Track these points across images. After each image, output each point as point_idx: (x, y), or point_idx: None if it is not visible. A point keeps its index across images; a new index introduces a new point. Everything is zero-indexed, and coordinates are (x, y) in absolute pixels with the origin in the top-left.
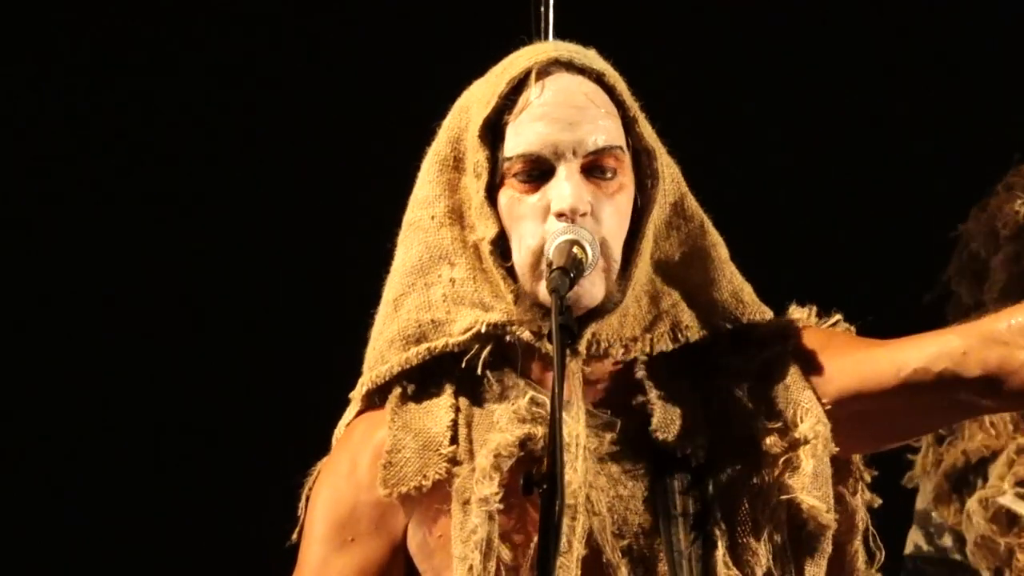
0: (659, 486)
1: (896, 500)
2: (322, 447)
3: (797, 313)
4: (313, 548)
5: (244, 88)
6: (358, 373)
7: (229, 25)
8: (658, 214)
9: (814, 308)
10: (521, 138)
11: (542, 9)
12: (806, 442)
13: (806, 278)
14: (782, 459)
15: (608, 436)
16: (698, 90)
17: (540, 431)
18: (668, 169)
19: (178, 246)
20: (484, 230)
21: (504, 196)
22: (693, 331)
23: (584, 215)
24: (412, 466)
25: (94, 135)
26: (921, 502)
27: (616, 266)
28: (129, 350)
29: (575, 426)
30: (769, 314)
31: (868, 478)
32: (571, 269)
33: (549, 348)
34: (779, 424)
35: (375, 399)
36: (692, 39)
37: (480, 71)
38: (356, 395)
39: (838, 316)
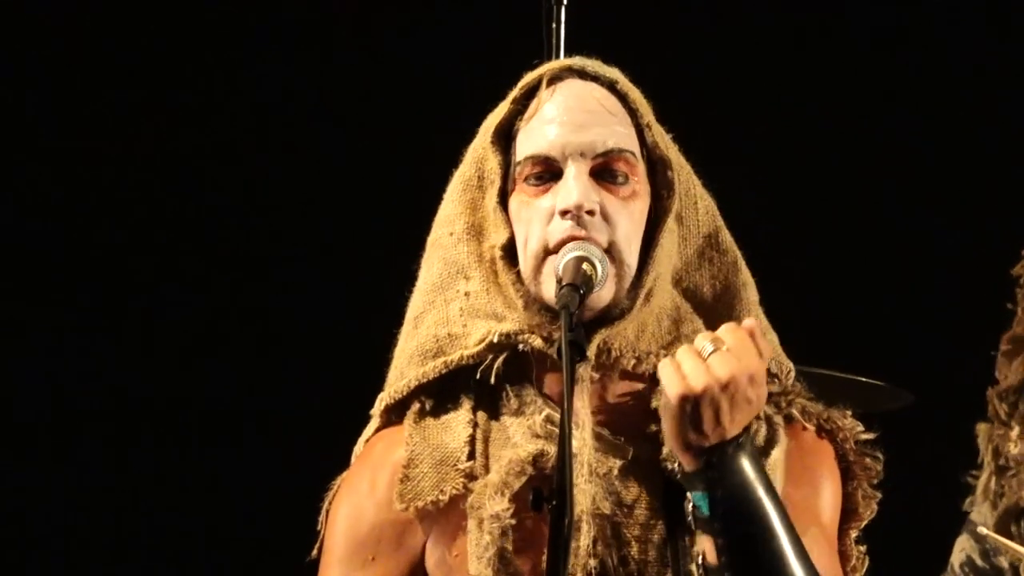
0: (669, 513)
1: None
2: (343, 460)
3: (845, 420)
4: (333, 568)
5: (254, 106)
6: (380, 387)
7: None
8: (672, 226)
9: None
10: (531, 140)
11: (553, 26)
12: None
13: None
14: None
15: (618, 461)
16: (711, 106)
17: (552, 449)
18: (702, 201)
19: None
20: (495, 237)
21: (515, 201)
22: None
23: (592, 213)
24: (429, 481)
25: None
26: (978, 516)
27: (629, 272)
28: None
29: (581, 446)
30: (787, 364)
31: (863, 568)
32: (581, 286)
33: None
34: None
35: (394, 415)
36: (705, 56)
37: (492, 91)
38: (376, 411)
39: (868, 436)
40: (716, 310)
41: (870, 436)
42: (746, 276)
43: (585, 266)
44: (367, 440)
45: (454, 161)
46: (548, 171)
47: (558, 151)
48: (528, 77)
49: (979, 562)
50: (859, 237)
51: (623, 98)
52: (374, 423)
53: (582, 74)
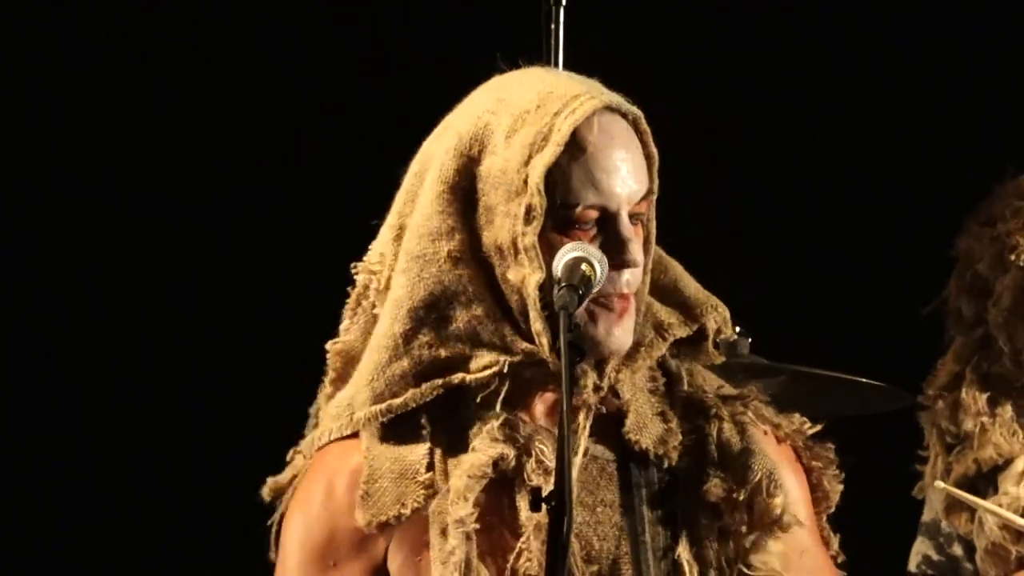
0: (630, 513)
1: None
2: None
3: (791, 423)
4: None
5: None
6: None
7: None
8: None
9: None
10: (586, 187)
11: (552, 26)
12: (777, 520)
13: (804, 290)
14: (749, 535)
15: (578, 462)
16: (710, 106)
17: (512, 452)
18: None
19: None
20: (531, 274)
21: (551, 241)
22: (676, 327)
23: (637, 265)
24: (390, 496)
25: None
26: (928, 514)
27: (641, 309)
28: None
29: (541, 450)
30: (723, 309)
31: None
32: (579, 286)
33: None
34: (746, 487)
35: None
36: (703, 55)
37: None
38: (357, 419)
39: (813, 428)
40: (657, 278)
41: (816, 428)
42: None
43: (584, 267)
44: (319, 448)
45: None
46: (597, 217)
47: (615, 203)
48: (571, 116)
49: (935, 556)
50: (858, 237)
51: (643, 133)
52: (347, 429)
53: (612, 110)
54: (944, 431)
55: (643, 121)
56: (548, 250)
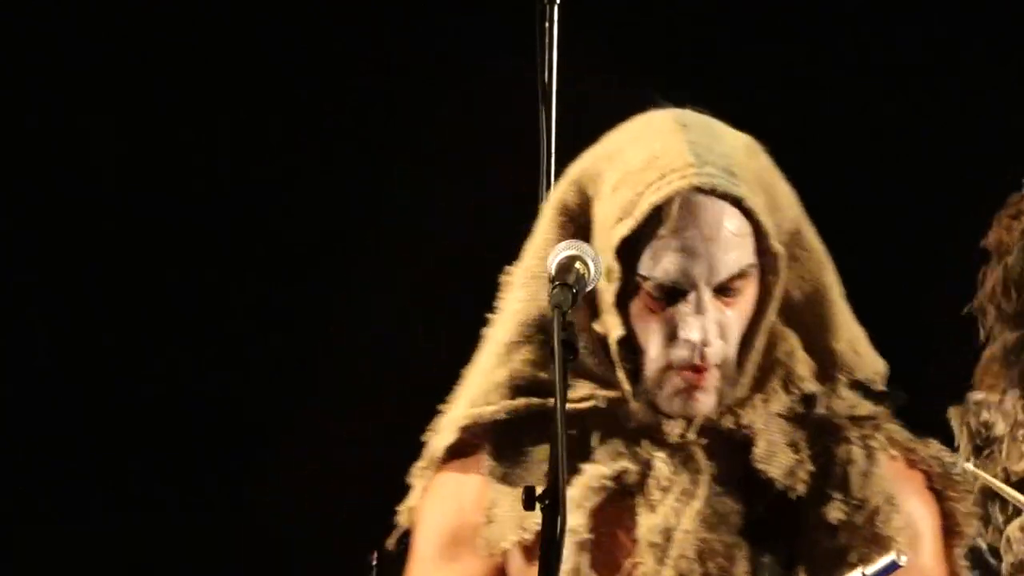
0: (750, 533)
1: None
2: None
3: (928, 448)
4: (420, 567)
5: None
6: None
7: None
8: (773, 314)
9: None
10: (658, 264)
11: (547, 24)
12: (888, 545)
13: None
14: (859, 551)
15: (703, 479)
16: (701, 107)
17: (635, 467)
18: (786, 198)
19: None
20: (613, 329)
21: (636, 305)
22: (807, 383)
23: (710, 344)
24: (512, 522)
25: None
26: None
27: (732, 376)
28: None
29: (663, 468)
30: (881, 365)
31: None
32: (573, 284)
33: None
34: (864, 509)
35: (468, 444)
36: (698, 54)
37: (487, 90)
38: (453, 424)
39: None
40: (806, 315)
41: (957, 458)
42: (833, 273)
43: (578, 265)
44: (440, 465)
45: (446, 161)
46: (671, 292)
47: (686, 280)
48: (656, 191)
49: None
50: (858, 237)
51: (747, 211)
52: (448, 439)
53: (706, 192)
54: (974, 432)
55: (747, 200)
56: (636, 315)
